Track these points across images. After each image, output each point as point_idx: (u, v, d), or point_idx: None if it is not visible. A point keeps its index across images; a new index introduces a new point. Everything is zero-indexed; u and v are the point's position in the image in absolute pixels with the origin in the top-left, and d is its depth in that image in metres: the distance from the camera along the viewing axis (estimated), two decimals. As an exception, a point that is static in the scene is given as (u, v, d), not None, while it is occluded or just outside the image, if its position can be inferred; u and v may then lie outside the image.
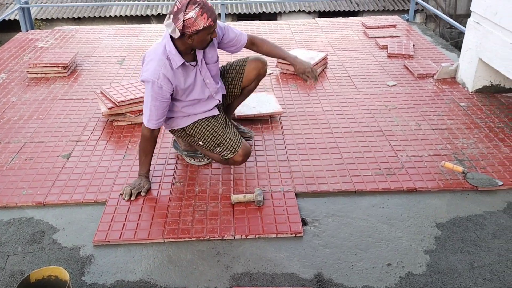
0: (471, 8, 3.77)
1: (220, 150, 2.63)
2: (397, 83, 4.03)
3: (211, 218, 2.43)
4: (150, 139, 2.60)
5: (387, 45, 4.85)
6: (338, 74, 4.24)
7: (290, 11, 13.44)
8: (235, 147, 2.60)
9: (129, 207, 2.52)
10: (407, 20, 5.95)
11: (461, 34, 4.64)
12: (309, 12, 13.50)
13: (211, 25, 2.38)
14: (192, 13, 2.31)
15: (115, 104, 3.29)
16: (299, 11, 13.39)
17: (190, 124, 2.69)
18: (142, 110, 3.36)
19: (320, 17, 13.40)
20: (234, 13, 12.80)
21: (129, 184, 2.67)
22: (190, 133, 2.70)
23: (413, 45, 4.87)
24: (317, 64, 4.17)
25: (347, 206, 2.54)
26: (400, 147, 3.06)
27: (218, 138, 2.62)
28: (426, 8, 5.86)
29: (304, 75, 2.79)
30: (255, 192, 2.55)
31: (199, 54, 2.57)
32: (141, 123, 3.30)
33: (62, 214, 2.51)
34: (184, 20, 2.32)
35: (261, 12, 12.77)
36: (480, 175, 2.74)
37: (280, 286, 2.04)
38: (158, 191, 2.66)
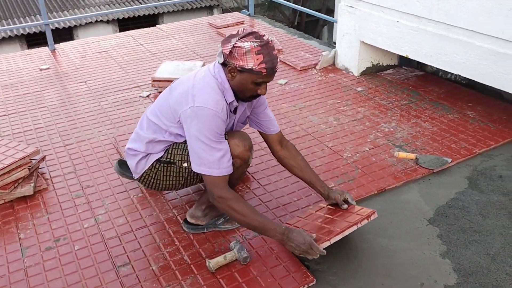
0: (341, -7, 3.76)
1: None
2: (287, 80, 3.83)
3: (200, 301, 1.84)
4: (235, 197, 1.91)
5: (251, 43, 4.61)
6: (223, 82, 3.83)
7: (86, 23, 12.33)
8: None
9: (75, 327, 1.75)
10: (248, 15, 5.82)
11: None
12: (107, 21, 12.61)
13: (261, 73, 1.83)
14: (247, 44, 1.79)
15: (-25, 182, 2.32)
16: (97, 21, 12.37)
17: (166, 151, 2.08)
18: (16, 181, 2.45)
19: (120, 25, 12.64)
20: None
21: (294, 251, 1.90)
22: (168, 159, 2.06)
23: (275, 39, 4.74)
24: (199, 75, 3.69)
25: (334, 230, 2.21)
26: (339, 147, 2.85)
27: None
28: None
29: (342, 197, 2.14)
30: (234, 248, 2.03)
31: (241, 106, 2.05)
32: (19, 197, 2.44)
33: None
34: (233, 46, 1.80)
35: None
36: (428, 156, 2.69)
37: None
38: (103, 288, 1.92)
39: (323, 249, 1.87)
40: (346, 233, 1.95)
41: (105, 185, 2.57)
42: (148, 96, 3.63)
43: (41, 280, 1.97)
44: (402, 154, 2.65)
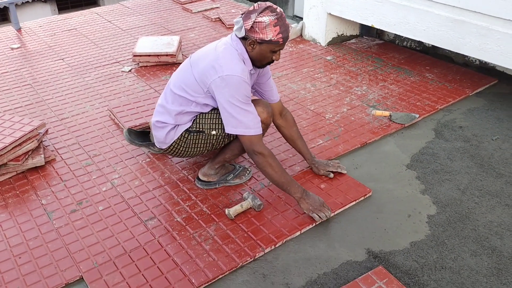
0: (307, -32, 4.02)
1: None
2: (260, 51, 4.07)
3: (226, 242, 2.10)
4: (271, 154, 2.17)
5: (219, 17, 4.80)
6: (200, 55, 4.01)
7: (23, 2, 11.81)
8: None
9: (120, 271, 1.96)
10: (209, -10, 5.94)
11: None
12: (45, 1, 12.12)
13: (279, 42, 2.06)
14: (266, 18, 2.01)
15: (-10, 155, 2.42)
16: (34, 0, 11.86)
17: (194, 121, 2.28)
18: (27, 153, 2.57)
19: (58, 4, 12.22)
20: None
21: (308, 209, 2.19)
22: (198, 129, 2.26)
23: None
24: (178, 49, 3.86)
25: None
26: (321, 109, 3.16)
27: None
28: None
29: (325, 171, 2.49)
30: (248, 198, 2.30)
31: (254, 75, 2.27)
32: (32, 168, 2.58)
33: (34, 320, 1.80)
34: (254, 22, 2.01)
35: None
36: (399, 113, 3.06)
37: (352, 280, 1.94)
38: (136, 239, 2.13)
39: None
40: (347, 206, 2.32)
41: (112, 153, 2.74)
42: (130, 70, 3.76)
43: (74, 237, 2.15)
44: (378, 112, 3.00)
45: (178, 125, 2.27)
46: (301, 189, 2.21)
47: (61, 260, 2.03)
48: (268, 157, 2.14)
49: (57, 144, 2.83)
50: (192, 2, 5.35)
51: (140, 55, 3.78)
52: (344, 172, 2.51)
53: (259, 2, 2.10)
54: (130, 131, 2.61)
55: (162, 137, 2.31)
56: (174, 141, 2.30)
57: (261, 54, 2.12)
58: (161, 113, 2.30)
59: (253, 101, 2.25)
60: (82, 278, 1.95)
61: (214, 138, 2.28)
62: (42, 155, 2.62)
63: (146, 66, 3.82)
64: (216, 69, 2.10)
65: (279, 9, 2.08)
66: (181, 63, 3.79)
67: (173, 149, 2.34)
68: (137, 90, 3.43)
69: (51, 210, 2.31)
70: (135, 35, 4.45)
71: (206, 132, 2.26)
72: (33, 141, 2.59)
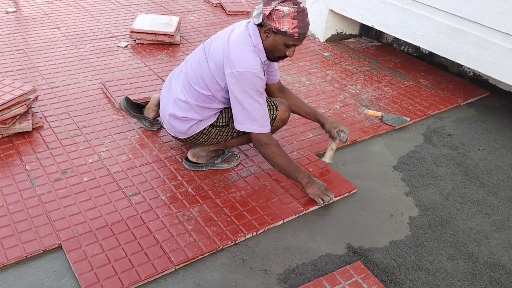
0: (313, -38, 4.01)
1: None
2: (258, 41, 4.05)
3: (209, 224, 2.10)
4: (277, 144, 2.18)
5: (220, 3, 4.77)
6: (198, 39, 3.99)
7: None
8: (274, 103, 2.30)
9: (100, 243, 1.95)
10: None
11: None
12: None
13: (294, 36, 2.02)
14: (285, 8, 1.97)
15: (-23, 115, 2.38)
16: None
17: (219, 115, 2.28)
18: (14, 117, 2.53)
19: None
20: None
21: (315, 193, 2.26)
22: (223, 124, 2.27)
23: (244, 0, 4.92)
24: (176, 30, 3.83)
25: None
26: (314, 104, 3.16)
27: None
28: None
29: (336, 130, 2.45)
30: (334, 140, 2.48)
31: (267, 65, 2.26)
32: (18, 133, 2.55)
33: (11, 277, 1.78)
34: (273, 9, 1.97)
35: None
36: (391, 115, 3.09)
37: (330, 273, 1.96)
38: (119, 213, 2.12)
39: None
40: (332, 200, 2.33)
41: (101, 126, 2.71)
42: (126, 46, 3.71)
43: (56, 205, 2.13)
44: (370, 112, 3.02)
45: (202, 120, 2.26)
46: (307, 175, 2.26)
47: (40, 226, 2.01)
48: (274, 147, 2.16)
49: (46, 112, 2.79)
50: (194, -15, 5.31)
51: (138, 32, 3.74)
52: (344, 140, 2.46)
53: None
54: (128, 99, 2.60)
55: (183, 130, 2.28)
56: (196, 134, 2.29)
57: (274, 45, 2.08)
58: (186, 110, 2.23)
59: (277, 100, 2.31)
60: (61, 246, 1.93)
61: (237, 130, 2.25)
62: (30, 121, 2.58)
63: (143, 43, 3.78)
64: (228, 64, 2.07)
65: (302, 4, 2.04)
66: (177, 44, 3.81)
67: (192, 140, 2.33)
68: (132, 67, 3.40)
69: (35, 177, 2.29)
70: (134, 11, 4.40)
71: (231, 125, 2.25)
72: (22, 105, 2.55)
